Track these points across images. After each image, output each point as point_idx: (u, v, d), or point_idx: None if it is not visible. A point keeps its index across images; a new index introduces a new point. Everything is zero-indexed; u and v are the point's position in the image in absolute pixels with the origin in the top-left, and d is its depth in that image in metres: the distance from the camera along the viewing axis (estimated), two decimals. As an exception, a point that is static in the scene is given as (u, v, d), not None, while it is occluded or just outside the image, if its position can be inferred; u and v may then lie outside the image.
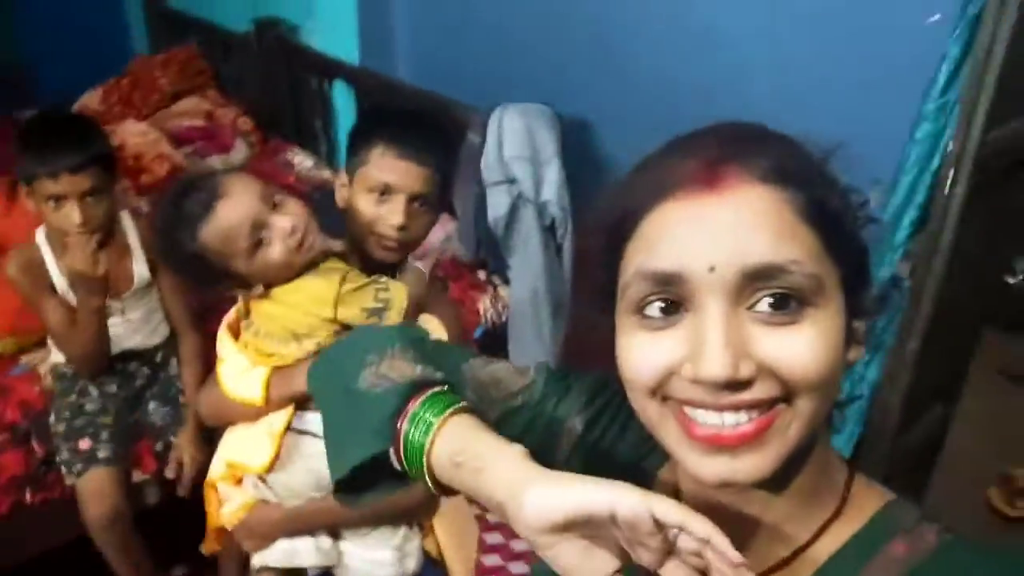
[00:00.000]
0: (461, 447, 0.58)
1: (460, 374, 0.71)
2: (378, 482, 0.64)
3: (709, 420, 0.49)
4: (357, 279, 1.23)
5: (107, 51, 3.87)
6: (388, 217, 1.23)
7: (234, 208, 1.16)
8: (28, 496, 1.67)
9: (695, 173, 0.51)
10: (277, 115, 3.04)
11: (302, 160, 2.85)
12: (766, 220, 0.49)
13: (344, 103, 2.80)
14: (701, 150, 0.52)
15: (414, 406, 0.60)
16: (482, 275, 2.31)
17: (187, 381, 1.78)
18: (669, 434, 0.52)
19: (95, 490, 1.61)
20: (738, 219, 0.49)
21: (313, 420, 1.25)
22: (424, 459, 0.59)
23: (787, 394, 0.49)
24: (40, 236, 1.67)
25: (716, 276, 0.48)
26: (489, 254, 2.24)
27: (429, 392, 0.62)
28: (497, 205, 2.11)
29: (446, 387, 0.63)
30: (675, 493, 0.62)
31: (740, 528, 0.56)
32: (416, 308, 1.30)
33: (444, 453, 0.58)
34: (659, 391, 0.52)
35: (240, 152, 2.93)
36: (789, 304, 0.49)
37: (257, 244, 1.17)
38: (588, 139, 2.20)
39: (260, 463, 1.27)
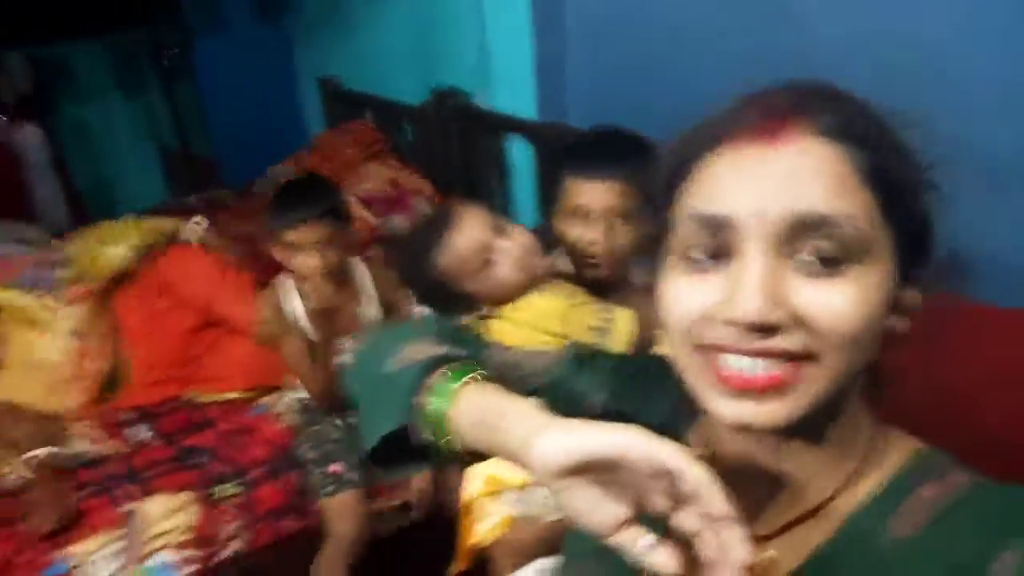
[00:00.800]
0: (480, 407, 0.59)
1: (481, 357, 0.71)
2: (408, 458, 0.66)
3: (738, 364, 0.50)
4: (581, 297, 1.29)
5: (285, 132, 4.22)
6: (585, 235, 1.30)
7: (463, 234, 1.30)
8: (289, 525, 1.77)
9: (756, 123, 0.51)
10: (453, 175, 3.19)
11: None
12: (822, 173, 0.49)
13: (520, 158, 2.90)
14: (766, 102, 0.52)
15: (434, 378, 0.62)
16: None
17: None
18: (699, 378, 0.53)
19: (345, 509, 1.71)
20: (793, 169, 0.49)
21: None
22: (446, 425, 0.60)
23: (817, 350, 0.49)
24: (283, 279, 1.81)
25: (764, 222, 0.49)
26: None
27: (449, 365, 0.63)
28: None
29: (467, 361, 0.65)
30: (705, 456, 0.61)
31: (770, 480, 0.57)
32: (647, 340, 1.31)
33: (465, 416, 0.59)
34: (694, 335, 0.52)
35: (422, 211, 3.08)
36: (834, 258, 0.48)
37: (486, 265, 1.29)
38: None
39: (521, 475, 1.29)
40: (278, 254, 1.74)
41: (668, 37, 2.40)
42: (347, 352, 1.82)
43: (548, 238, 1.45)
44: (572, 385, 0.73)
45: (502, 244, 1.30)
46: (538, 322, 1.29)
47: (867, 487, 0.56)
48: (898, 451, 0.58)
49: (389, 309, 1.86)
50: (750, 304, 0.48)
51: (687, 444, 0.65)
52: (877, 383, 0.58)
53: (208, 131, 4.29)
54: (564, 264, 1.43)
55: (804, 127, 0.50)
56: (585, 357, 0.75)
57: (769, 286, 0.49)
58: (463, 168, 3.15)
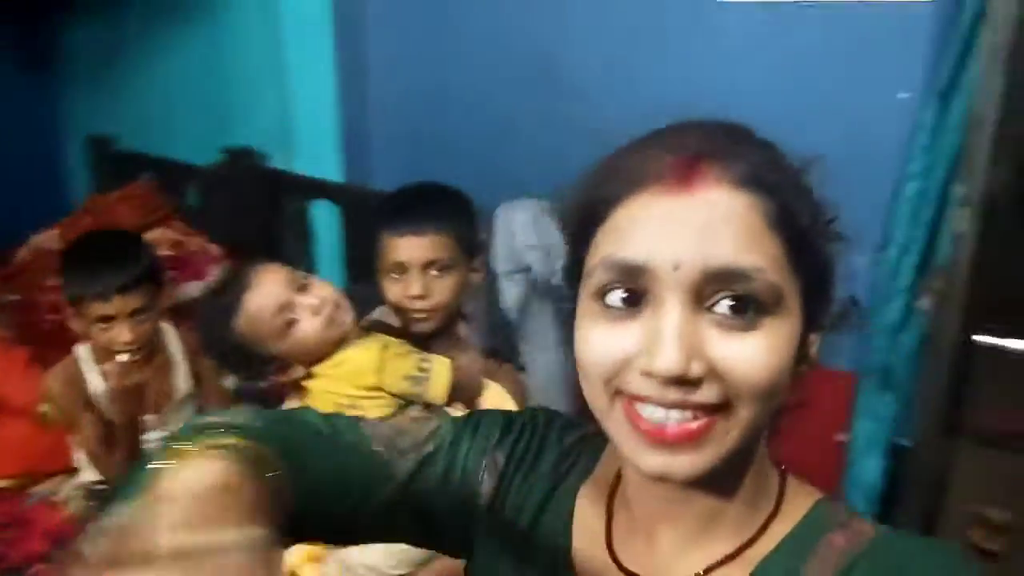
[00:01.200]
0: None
1: (359, 431, 0.67)
2: None
3: (655, 416, 0.51)
4: (399, 347, 1.30)
5: (43, 194, 3.79)
6: (407, 290, 1.33)
7: (260, 295, 1.26)
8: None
9: (671, 169, 0.51)
10: (249, 239, 3.05)
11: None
12: (734, 224, 0.50)
13: (325, 222, 2.86)
14: (680, 145, 0.53)
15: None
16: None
17: None
18: (616, 424, 0.54)
19: None
20: (707, 220, 0.50)
21: None
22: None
23: (731, 401, 0.51)
24: (81, 352, 1.61)
25: (679, 274, 0.49)
26: (502, 343, 2.29)
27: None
28: (510, 295, 2.19)
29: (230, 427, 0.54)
30: (604, 501, 0.65)
31: (683, 528, 0.59)
32: (470, 388, 1.35)
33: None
34: (612, 382, 0.53)
35: (217, 277, 2.90)
36: (747, 310, 0.50)
37: (289, 325, 1.26)
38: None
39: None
40: (78, 326, 1.53)
41: (467, 108, 2.53)
42: (153, 432, 1.65)
43: (360, 297, 1.44)
44: (463, 450, 0.69)
45: (303, 300, 1.27)
46: (352, 377, 1.27)
47: (777, 534, 0.58)
48: (801, 498, 0.60)
49: (200, 378, 1.71)
50: (669, 358, 0.48)
51: (582, 495, 0.67)
52: (773, 427, 0.60)
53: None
54: (391, 319, 1.43)
55: (716, 174, 0.51)
56: (465, 421, 0.72)
57: (687, 339, 0.49)
58: (261, 232, 3.03)
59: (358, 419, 0.69)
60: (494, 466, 0.69)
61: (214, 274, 2.95)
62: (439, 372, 1.28)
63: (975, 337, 1.60)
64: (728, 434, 0.52)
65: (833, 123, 1.88)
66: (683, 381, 0.49)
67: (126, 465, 1.58)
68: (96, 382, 1.57)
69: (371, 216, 2.30)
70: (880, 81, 1.83)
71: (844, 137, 1.81)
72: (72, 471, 1.75)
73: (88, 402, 1.57)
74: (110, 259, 1.52)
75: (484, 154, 2.50)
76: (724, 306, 0.50)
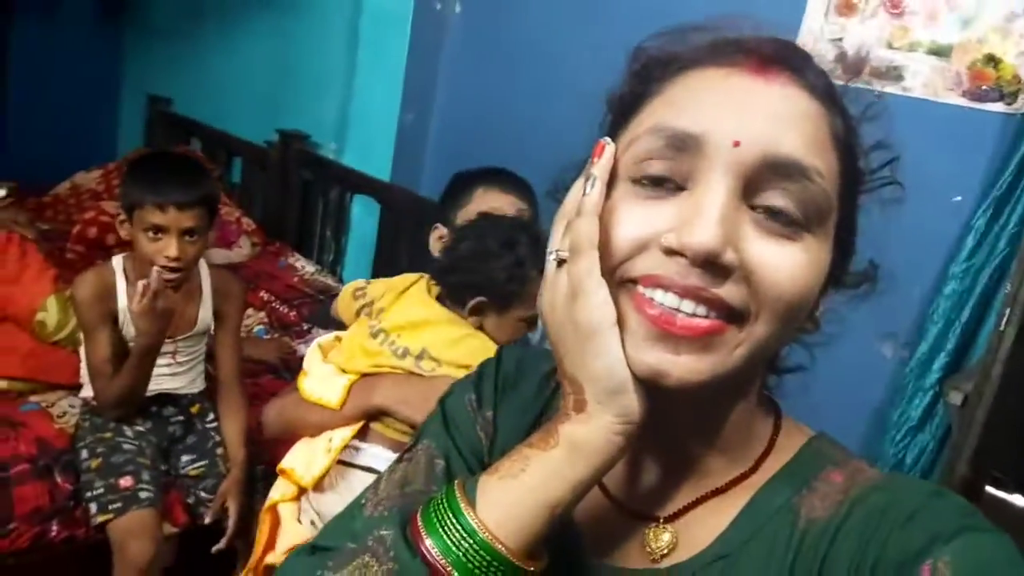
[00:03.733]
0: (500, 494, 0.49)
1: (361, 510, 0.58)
2: None
3: (667, 301, 0.46)
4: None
5: (95, 141, 3.86)
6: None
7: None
8: (54, 530, 1.50)
9: (746, 56, 0.48)
10: (284, 221, 3.08)
11: (304, 265, 2.89)
12: (805, 123, 0.47)
13: (362, 216, 2.89)
14: (755, 41, 0.49)
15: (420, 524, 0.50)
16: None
17: (231, 434, 1.69)
18: (620, 318, 0.47)
19: (137, 531, 1.47)
20: (778, 110, 0.46)
21: (369, 454, 1.24)
22: (486, 540, 0.47)
23: (752, 311, 0.46)
24: (117, 263, 1.61)
25: (738, 152, 0.45)
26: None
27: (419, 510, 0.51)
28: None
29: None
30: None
31: (673, 456, 0.56)
32: None
33: (493, 513, 0.48)
34: (621, 269, 0.47)
35: (244, 249, 2.92)
36: (792, 220, 0.46)
37: None
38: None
39: (311, 475, 1.23)
40: (128, 233, 1.54)
41: (519, 134, 2.58)
42: (167, 356, 1.64)
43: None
44: (457, 441, 0.64)
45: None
46: (471, 353, 1.22)
47: (771, 468, 0.55)
48: (796, 433, 0.57)
49: (220, 317, 1.71)
50: (707, 233, 0.44)
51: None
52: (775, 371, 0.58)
53: (2, 124, 3.79)
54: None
55: (794, 75, 0.48)
56: (437, 418, 0.66)
57: (728, 222, 0.45)
58: (298, 214, 3.06)
59: (362, 499, 0.60)
60: (484, 423, 0.65)
61: (242, 245, 2.97)
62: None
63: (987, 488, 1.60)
64: (737, 348, 0.47)
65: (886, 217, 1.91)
66: (712, 266, 0.44)
67: (132, 387, 1.56)
68: (123, 297, 1.56)
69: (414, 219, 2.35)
70: (936, 182, 1.87)
71: (895, 232, 1.84)
72: (77, 387, 1.73)
73: (111, 314, 1.57)
74: (174, 173, 1.54)
75: (529, 176, 2.55)
76: (771, 207, 0.46)
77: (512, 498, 0.48)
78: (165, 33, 3.78)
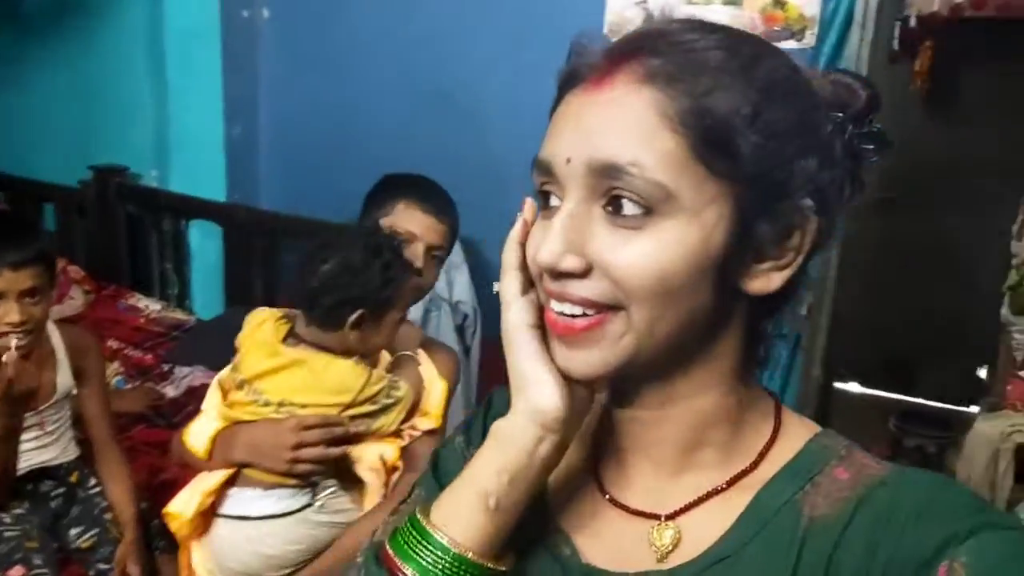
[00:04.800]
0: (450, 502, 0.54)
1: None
2: None
3: (555, 309, 0.52)
4: (379, 380, 1.24)
5: None
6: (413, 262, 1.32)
7: None
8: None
9: (593, 68, 0.51)
10: (114, 262, 2.88)
11: (147, 304, 2.73)
12: (625, 120, 0.48)
13: (201, 242, 2.76)
14: (618, 43, 0.52)
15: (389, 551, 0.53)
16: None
17: (117, 495, 1.58)
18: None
19: None
20: (603, 117, 0.49)
21: (236, 499, 1.21)
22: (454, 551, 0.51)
23: (622, 301, 0.49)
24: (-47, 344, 1.46)
25: (570, 168, 0.50)
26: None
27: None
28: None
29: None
30: (585, 438, 0.62)
31: (664, 452, 0.57)
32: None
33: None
34: (543, 284, 0.53)
35: (77, 299, 2.71)
36: (632, 209, 0.48)
37: None
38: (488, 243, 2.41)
39: (186, 516, 1.21)
40: None
41: (356, 131, 2.57)
42: (33, 429, 1.51)
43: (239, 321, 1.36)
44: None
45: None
46: (334, 390, 1.22)
47: (775, 463, 0.55)
48: (799, 428, 0.57)
49: (81, 376, 1.59)
50: (546, 249, 0.49)
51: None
52: (752, 356, 0.56)
53: None
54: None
55: (629, 71, 0.49)
56: (433, 466, 0.67)
57: (568, 232, 0.49)
58: (128, 253, 2.86)
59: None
60: (456, 454, 0.65)
61: (74, 296, 2.75)
62: (404, 399, 1.25)
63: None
64: (623, 337, 0.50)
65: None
66: (560, 274, 0.50)
67: (2, 474, 1.43)
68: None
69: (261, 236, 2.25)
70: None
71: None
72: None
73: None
74: (3, 235, 1.41)
75: (372, 177, 2.53)
76: (611, 204, 0.49)
77: (454, 496, 0.54)
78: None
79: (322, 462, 1.19)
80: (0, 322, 1.37)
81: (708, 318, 0.51)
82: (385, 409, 1.24)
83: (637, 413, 0.56)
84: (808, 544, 0.51)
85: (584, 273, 0.49)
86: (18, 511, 1.51)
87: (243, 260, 2.57)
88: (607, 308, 0.49)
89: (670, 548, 0.55)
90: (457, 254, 2.25)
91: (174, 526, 1.22)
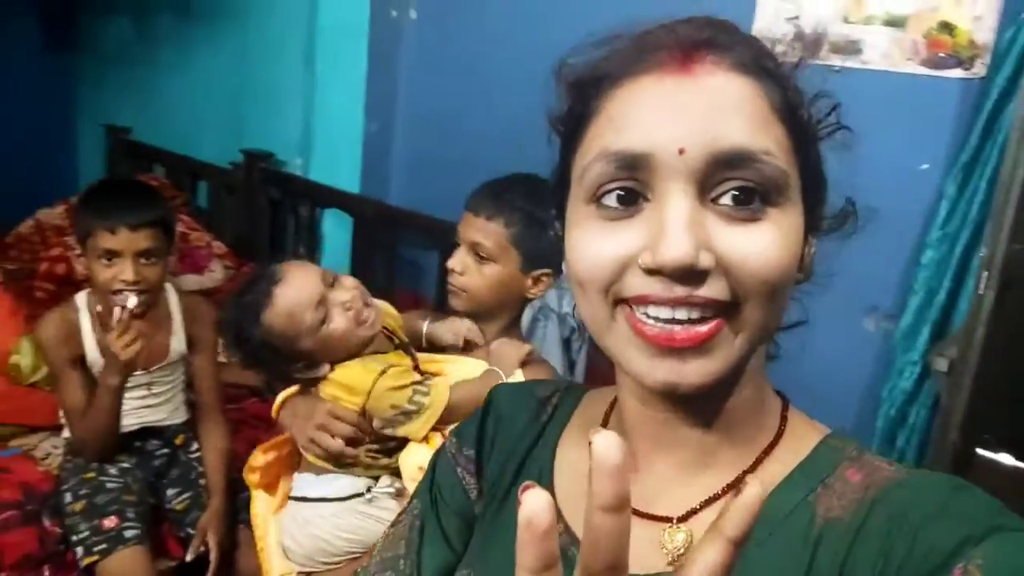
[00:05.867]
0: None
1: None
2: None
3: (661, 315, 0.47)
4: (399, 377, 1.23)
5: (55, 175, 3.77)
6: (451, 263, 1.31)
7: (293, 289, 1.22)
8: (47, 575, 1.47)
9: (669, 54, 0.48)
10: (255, 242, 3.04)
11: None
12: (741, 107, 0.47)
13: (333, 230, 2.86)
14: (675, 33, 0.49)
15: None
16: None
17: (211, 462, 1.66)
18: (618, 337, 0.49)
19: (125, 570, 1.43)
20: (712, 104, 0.47)
21: (304, 483, 1.27)
22: None
23: (739, 300, 0.47)
24: (80, 300, 1.57)
25: (685, 159, 0.46)
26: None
27: None
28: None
29: None
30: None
31: (684, 454, 0.55)
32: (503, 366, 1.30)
33: None
34: (611, 289, 0.49)
35: (216, 273, 2.87)
36: (753, 200, 0.47)
37: (321, 321, 1.22)
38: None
39: (250, 465, 1.34)
40: (82, 264, 1.51)
41: (485, 137, 2.56)
42: (142, 389, 1.61)
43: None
44: (438, 507, 0.66)
45: (335, 296, 1.23)
46: (347, 391, 1.23)
47: (785, 465, 0.54)
48: (807, 430, 0.56)
49: (194, 343, 1.67)
50: (678, 247, 0.45)
51: (555, 444, 0.63)
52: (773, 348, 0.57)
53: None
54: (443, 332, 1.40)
55: (716, 59, 0.48)
56: (429, 471, 0.69)
57: (695, 228, 0.46)
58: (268, 234, 3.02)
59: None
60: (467, 461, 0.66)
61: (214, 269, 2.93)
62: (434, 404, 1.22)
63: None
64: (736, 338, 0.48)
65: (851, 190, 1.92)
66: (693, 273, 0.46)
67: (105, 425, 1.52)
68: (89, 333, 1.53)
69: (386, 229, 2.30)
70: (902, 152, 1.88)
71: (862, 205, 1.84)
72: (58, 428, 1.69)
73: (78, 353, 1.53)
74: (122, 197, 1.51)
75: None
76: (730, 196, 0.47)
77: None
78: (118, 60, 3.71)
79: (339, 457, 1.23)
80: (115, 280, 1.45)
81: None
82: (408, 415, 1.21)
83: (667, 414, 0.54)
84: (822, 546, 0.49)
85: (707, 274, 0.46)
86: (123, 464, 1.61)
87: (368, 250, 2.64)
88: (720, 311, 0.47)
89: (681, 551, 0.53)
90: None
91: (246, 477, 1.33)
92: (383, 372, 1.22)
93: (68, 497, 1.54)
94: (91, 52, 3.85)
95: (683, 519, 0.54)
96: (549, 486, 0.60)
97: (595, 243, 0.49)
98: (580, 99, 0.52)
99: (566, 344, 2.24)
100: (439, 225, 2.19)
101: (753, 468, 0.54)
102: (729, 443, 0.54)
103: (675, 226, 0.45)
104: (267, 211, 2.99)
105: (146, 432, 1.65)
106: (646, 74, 0.48)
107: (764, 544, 0.50)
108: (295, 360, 1.24)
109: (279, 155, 2.98)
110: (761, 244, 0.47)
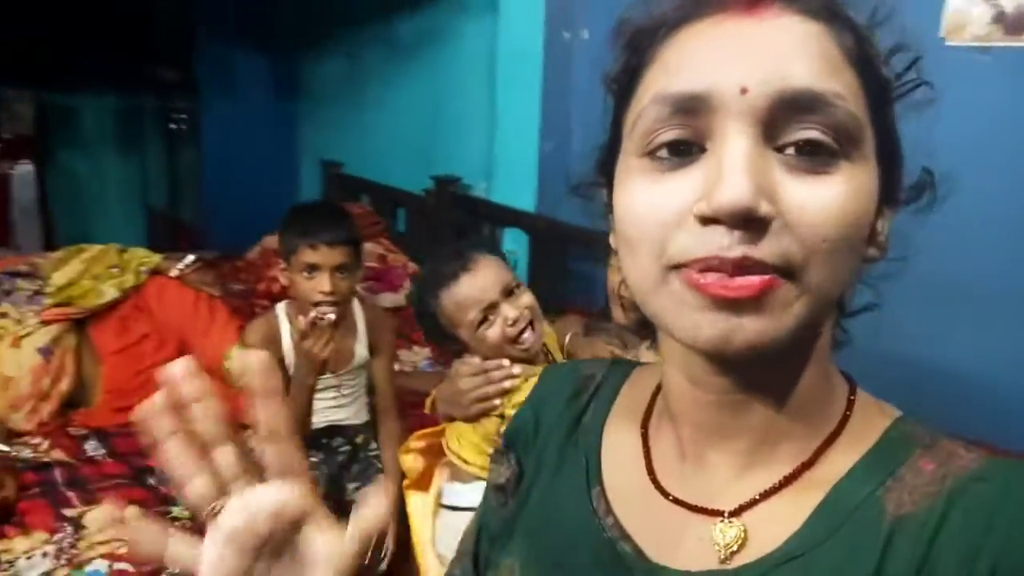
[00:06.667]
0: None
1: None
2: None
3: (717, 271, 0.43)
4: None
5: (278, 207, 4.25)
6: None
7: (472, 284, 1.28)
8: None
9: None
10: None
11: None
12: (810, 49, 0.43)
13: (512, 247, 2.98)
14: None
15: None
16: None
17: (387, 460, 1.80)
18: (669, 298, 0.45)
19: None
20: (778, 45, 0.43)
21: (459, 492, 1.31)
22: None
23: (801, 260, 0.42)
24: (280, 310, 1.78)
25: (748, 99, 0.42)
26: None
27: None
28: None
29: None
30: (636, 428, 0.58)
31: (739, 442, 0.51)
32: None
33: None
34: (665, 250, 0.44)
35: (409, 291, 3.11)
36: (822, 151, 0.43)
37: (482, 321, 1.28)
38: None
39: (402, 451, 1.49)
40: (286, 278, 1.71)
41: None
42: (331, 390, 1.79)
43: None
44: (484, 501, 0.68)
45: (505, 307, 1.28)
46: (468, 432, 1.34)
47: (850, 454, 0.49)
48: (876, 415, 0.51)
49: (375, 350, 1.84)
50: (736, 190, 0.41)
51: (600, 428, 0.61)
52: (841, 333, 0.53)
53: (199, 197, 4.33)
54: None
55: (784, 4, 0.45)
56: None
57: (756, 171, 0.42)
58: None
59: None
60: (499, 455, 0.66)
61: (408, 288, 3.17)
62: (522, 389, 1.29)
63: None
64: (795, 302, 0.43)
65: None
66: (750, 224, 0.41)
67: (299, 420, 1.70)
68: (288, 338, 1.72)
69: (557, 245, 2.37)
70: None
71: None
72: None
73: (277, 356, 1.73)
74: (321, 217, 1.70)
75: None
76: (796, 143, 0.43)
77: None
78: (331, 102, 4.15)
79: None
80: (314, 291, 1.63)
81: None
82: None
83: (722, 397, 0.49)
84: (893, 545, 0.45)
85: (766, 226, 0.42)
86: (312, 459, 1.78)
87: (543, 265, 2.73)
88: (784, 270, 0.42)
89: (734, 548, 0.49)
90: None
91: (401, 458, 1.45)
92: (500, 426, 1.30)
93: (271, 484, 1.74)
94: (310, 97, 4.34)
95: (736, 513, 0.50)
96: (596, 474, 0.58)
97: (645, 196, 0.45)
98: (635, 51, 0.49)
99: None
100: (602, 237, 2.19)
101: (814, 459, 0.50)
102: (788, 431, 0.50)
103: (734, 168, 0.41)
104: (452, 233, 3.18)
105: (332, 430, 1.82)
106: (706, 18, 0.45)
107: (827, 543, 0.47)
108: (453, 340, 1.33)
109: (465, 179, 3.16)
110: (828, 198, 0.42)
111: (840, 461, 0.49)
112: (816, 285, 0.43)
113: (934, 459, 0.47)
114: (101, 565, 1.53)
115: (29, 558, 1.53)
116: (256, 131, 4.28)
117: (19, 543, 1.55)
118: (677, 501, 0.53)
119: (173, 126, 4.28)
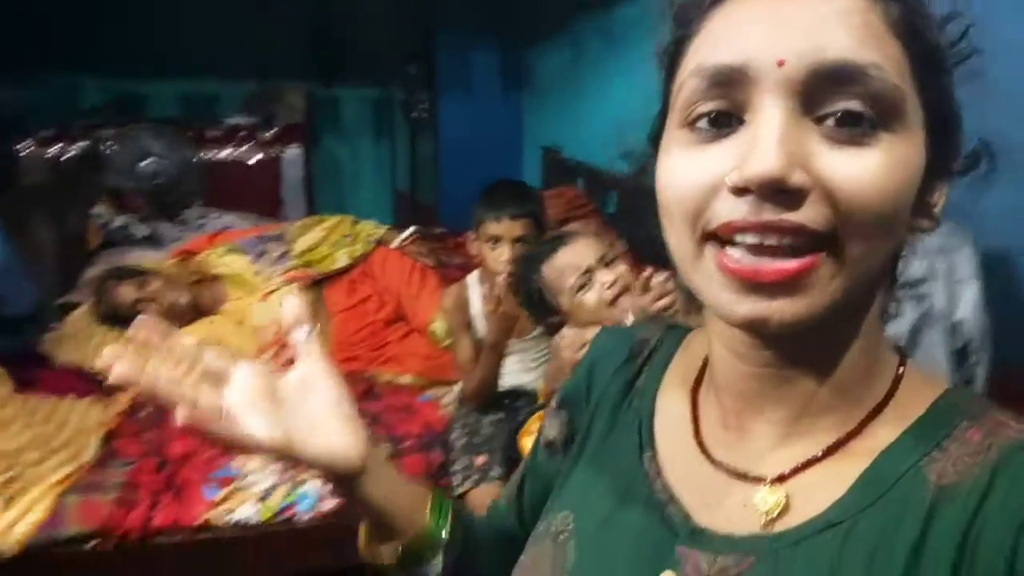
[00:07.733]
0: None
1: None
2: None
3: (747, 241, 0.43)
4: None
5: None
6: None
7: (571, 253, 1.41)
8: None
9: None
10: (646, 244, 3.26)
11: (662, 277, 3.06)
12: (849, 19, 0.43)
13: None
14: None
15: None
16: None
17: None
18: (704, 274, 0.46)
19: (486, 502, 1.73)
20: (817, 15, 0.42)
21: None
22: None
23: (839, 232, 0.42)
24: (472, 278, 1.93)
25: (785, 71, 0.42)
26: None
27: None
28: (901, 320, 1.99)
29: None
30: (688, 394, 0.60)
31: (782, 412, 0.51)
32: None
33: None
34: (700, 218, 0.45)
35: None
36: (861, 122, 0.42)
37: (580, 287, 1.39)
38: (1007, 262, 2.02)
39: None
40: (475, 248, 1.86)
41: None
42: (515, 354, 1.91)
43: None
44: (533, 458, 0.74)
45: (601, 273, 1.39)
46: None
47: (890, 428, 0.49)
48: (923, 387, 0.51)
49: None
50: (766, 159, 0.41)
51: (654, 390, 0.63)
52: (885, 305, 0.52)
53: (437, 181, 4.70)
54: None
55: None
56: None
57: (790, 142, 0.42)
58: (654, 235, 3.21)
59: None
60: (552, 413, 0.70)
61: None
62: None
63: None
64: (834, 279, 0.43)
65: None
66: (782, 192, 0.41)
67: (486, 380, 1.84)
68: (477, 304, 1.87)
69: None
70: None
71: None
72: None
73: (468, 321, 1.88)
74: (506, 192, 1.83)
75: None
76: (834, 118, 0.43)
77: None
78: (552, 91, 4.30)
79: None
80: (497, 261, 1.76)
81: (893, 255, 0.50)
82: None
83: (763, 370, 0.51)
84: (937, 515, 0.45)
85: (802, 197, 0.42)
86: (495, 417, 1.92)
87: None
88: (817, 244, 0.43)
89: (776, 513, 0.51)
90: (967, 265, 1.92)
91: (520, 441, 1.53)
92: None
93: (454, 435, 1.91)
94: (534, 87, 4.53)
95: (778, 480, 0.52)
96: (649, 439, 0.60)
97: (683, 166, 0.47)
98: (681, 23, 0.51)
99: (958, 356, 1.95)
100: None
101: (858, 431, 0.50)
102: (831, 403, 0.51)
103: (767, 139, 0.42)
104: (654, 213, 3.18)
105: (515, 393, 1.95)
106: None
107: (868, 511, 0.47)
108: (554, 313, 1.43)
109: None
110: (867, 169, 0.42)
111: (885, 433, 0.49)
112: (855, 259, 0.44)
113: (981, 429, 0.47)
114: (312, 486, 1.78)
115: (262, 471, 1.81)
116: (486, 120, 4.56)
117: (252, 460, 1.82)
118: (722, 467, 0.55)
119: (415, 115, 4.67)
